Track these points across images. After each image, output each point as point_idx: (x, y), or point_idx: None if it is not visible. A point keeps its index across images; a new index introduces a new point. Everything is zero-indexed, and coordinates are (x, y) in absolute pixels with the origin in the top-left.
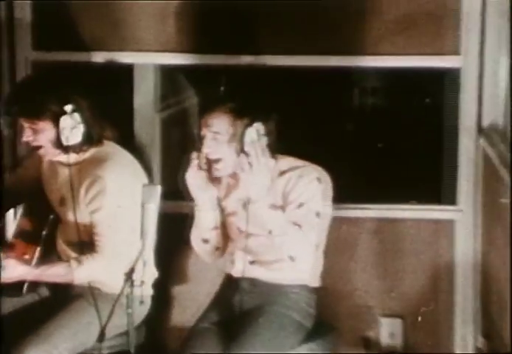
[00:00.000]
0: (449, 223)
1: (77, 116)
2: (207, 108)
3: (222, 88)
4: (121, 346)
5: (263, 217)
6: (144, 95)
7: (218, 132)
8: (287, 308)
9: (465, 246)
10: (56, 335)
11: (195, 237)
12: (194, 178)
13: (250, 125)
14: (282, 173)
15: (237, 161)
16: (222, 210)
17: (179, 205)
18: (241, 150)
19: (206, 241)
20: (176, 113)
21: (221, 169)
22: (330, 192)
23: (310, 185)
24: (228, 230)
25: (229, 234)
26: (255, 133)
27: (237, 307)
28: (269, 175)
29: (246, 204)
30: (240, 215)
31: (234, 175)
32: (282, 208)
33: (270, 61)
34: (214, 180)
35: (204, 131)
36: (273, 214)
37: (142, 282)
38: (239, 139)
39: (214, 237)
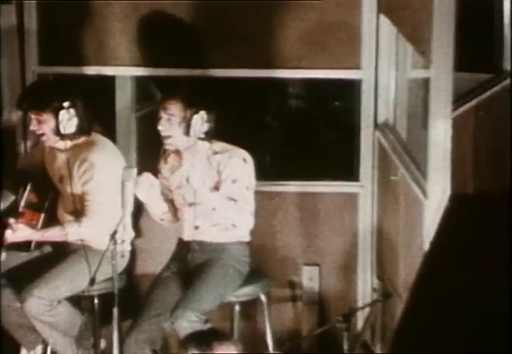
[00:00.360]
0: (354, 196)
1: (72, 111)
2: (166, 97)
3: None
4: (107, 289)
5: (205, 199)
6: (123, 99)
7: (172, 114)
8: (228, 260)
9: (366, 213)
10: (57, 280)
11: (154, 217)
12: (147, 195)
13: (197, 112)
14: (215, 153)
15: (183, 140)
16: (169, 186)
17: None
18: (187, 132)
19: (162, 220)
20: (148, 112)
21: (170, 145)
22: (253, 171)
23: (239, 164)
24: (175, 202)
25: (177, 205)
26: (200, 120)
27: (190, 262)
28: (206, 153)
29: (188, 179)
30: (184, 188)
31: (178, 154)
32: (218, 185)
33: (214, 73)
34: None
35: (162, 114)
36: (213, 196)
37: (123, 241)
38: (187, 123)
39: (167, 216)
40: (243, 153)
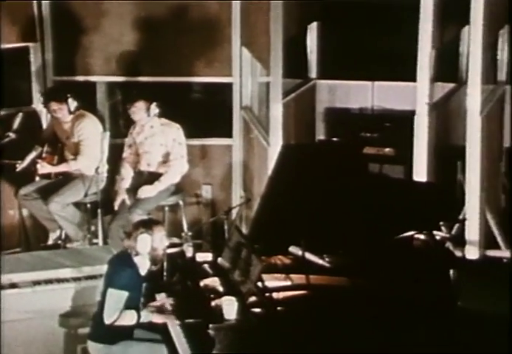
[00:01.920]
0: (230, 146)
1: (72, 100)
2: (135, 96)
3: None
4: (95, 198)
5: (154, 149)
6: (101, 94)
7: (138, 107)
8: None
9: (237, 156)
10: (66, 193)
11: (124, 157)
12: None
13: (152, 103)
14: (162, 125)
15: (145, 118)
16: (135, 141)
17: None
18: (148, 114)
19: (127, 160)
20: (115, 102)
21: (138, 120)
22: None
23: (179, 130)
24: (138, 151)
25: (139, 152)
26: (155, 107)
27: (141, 184)
28: (157, 125)
29: (146, 138)
30: (144, 143)
31: (142, 125)
32: (168, 149)
33: (161, 79)
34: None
35: (131, 106)
36: (160, 148)
37: (102, 171)
38: (147, 110)
39: (130, 158)
40: (177, 125)
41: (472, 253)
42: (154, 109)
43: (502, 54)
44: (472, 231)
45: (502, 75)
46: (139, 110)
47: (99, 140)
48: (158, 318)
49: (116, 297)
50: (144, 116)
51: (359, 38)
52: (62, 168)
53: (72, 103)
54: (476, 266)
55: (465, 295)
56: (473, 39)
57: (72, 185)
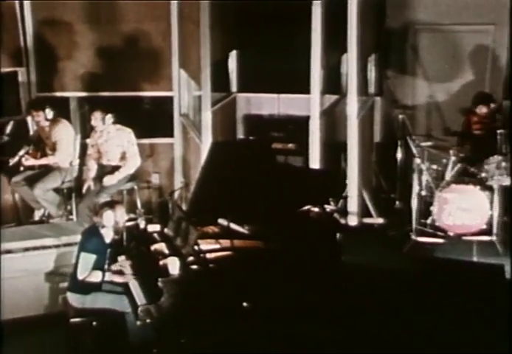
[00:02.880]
0: (172, 145)
1: (50, 110)
2: (95, 108)
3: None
4: (70, 185)
5: (111, 150)
6: (73, 106)
7: (96, 117)
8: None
9: (178, 152)
10: (46, 180)
11: (89, 153)
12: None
13: (107, 114)
14: (118, 130)
15: (101, 126)
16: (96, 143)
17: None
18: (103, 123)
19: (92, 157)
20: (84, 112)
21: (96, 126)
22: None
23: (131, 134)
24: (100, 150)
25: (100, 151)
26: (110, 117)
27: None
28: (113, 130)
29: (106, 141)
30: (104, 145)
31: (101, 131)
32: (124, 148)
33: (118, 94)
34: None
35: (92, 116)
36: (118, 148)
37: (74, 164)
38: (102, 119)
39: (93, 156)
40: (129, 129)
41: (353, 220)
42: (109, 119)
43: (371, 75)
44: (352, 205)
45: (371, 90)
46: (96, 119)
47: (71, 140)
48: (117, 279)
49: (87, 259)
50: (100, 123)
51: (268, 61)
52: (43, 161)
53: (49, 112)
54: (356, 230)
55: (347, 251)
56: (350, 63)
57: (51, 175)
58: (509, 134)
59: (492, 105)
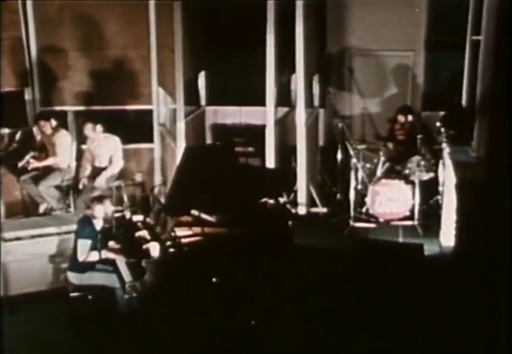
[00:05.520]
0: (152, 149)
1: (53, 120)
2: (88, 121)
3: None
4: (69, 182)
5: (102, 153)
6: (70, 118)
7: (89, 128)
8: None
9: (157, 155)
10: (48, 178)
11: (85, 157)
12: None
13: (98, 124)
14: (106, 138)
15: (93, 135)
16: (90, 148)
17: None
18: (94, 132)
19: (87, 159)
20: (79, 123)
21: (90, 136)
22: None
23: (118, 142)
24: (92, 153)
25: (94, 154)
26: (100, 127)
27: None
28: (103, 137)
29: (98, 147)
30: (96, 149)
31: (93, 139)
32: (111, 153)
33: (107, 107)
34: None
35: (85, 127)
36: (110, 153)
37: (72, 166)
38: (93, 129)
39: (88, 158)
40: (116, 137)
41: (302, 210)
42: (99, 128)
43: (316, 90)
44: (301, 197)
45: (316, 103)
46: (87, 129)
47: (69, 146)
48: (111, 255)
49: (84, 244)
50: (91, 133)
51: (232, 80)
52: (46, 163)
53: (53, 122)
54: (304, 218)
55: (298, 236)
56: (298, 81)
57: (53, 174)
58: (426, 139)
59: (410, 116)
